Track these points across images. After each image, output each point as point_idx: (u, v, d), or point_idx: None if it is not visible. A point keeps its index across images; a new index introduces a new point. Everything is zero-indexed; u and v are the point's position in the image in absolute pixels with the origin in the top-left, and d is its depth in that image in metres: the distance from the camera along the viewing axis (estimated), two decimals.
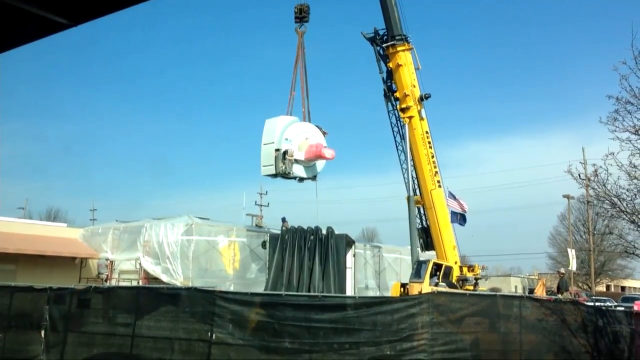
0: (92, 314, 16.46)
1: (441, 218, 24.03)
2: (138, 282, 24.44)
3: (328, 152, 23.20)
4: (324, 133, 24.37)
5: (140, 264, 25.34)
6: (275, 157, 22.62)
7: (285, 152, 22.60)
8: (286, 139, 22.81)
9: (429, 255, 25.20)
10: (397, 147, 25.31)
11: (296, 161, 23.06)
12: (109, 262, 27.41)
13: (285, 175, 23.20)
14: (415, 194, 24.99)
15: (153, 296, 15.85)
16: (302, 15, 24.95)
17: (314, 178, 24.33)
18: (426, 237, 24.90)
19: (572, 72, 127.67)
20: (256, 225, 34.64)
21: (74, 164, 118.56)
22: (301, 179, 24.07)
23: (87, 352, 15.98)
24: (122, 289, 18.86)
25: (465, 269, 23.87)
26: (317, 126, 24.41)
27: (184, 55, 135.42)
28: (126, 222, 28.57)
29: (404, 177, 24.97)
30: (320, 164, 24.17)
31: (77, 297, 16.82)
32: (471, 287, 22.97)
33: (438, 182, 24.25)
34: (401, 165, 25.09)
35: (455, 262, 23.88)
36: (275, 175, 23.33)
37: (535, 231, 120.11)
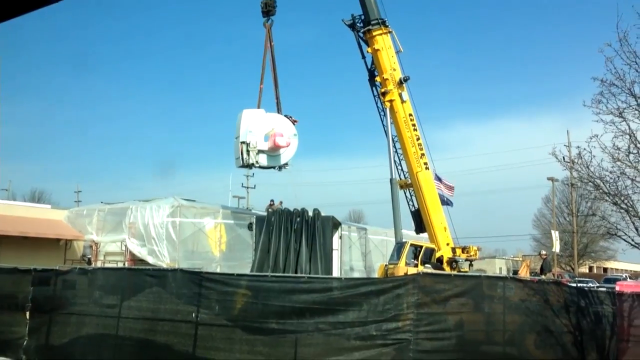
0: (77, 295, 16.40)
1: (429, 200, 24.14)
2: (124, 264, 24.40)
3: (281, 140, 23.63)
4: (293, 121, 24.65)
5: (125, 245, 25.28)
6: (241, 150, 23.12)
7: (248, 144, 23.05)
8: (250, 131, 23.22)
9: (424, 238, 25.39)
10: (384, 130, 25.43)
11: (261, 152, 23.43)
12: (94, 243, 27.29)
13: (254, 166, 23.76)
14: (405, 177, 25.15)
15: (139, 277, 15.80)
16: (267, 10, 25.11)
17: (280, 168, 24.65)
18: (418, 220, 25.04)
19: (560, 54, 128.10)
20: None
21: (58, 145, 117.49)
22: (280, 168, 24.43)
23: (73, 334, 15.95)
24: (108, 270, 18.84)
25: (458, 250, 23.88)
26: (286, 115, 24.71)
27: (169, 37, 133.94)
28: (111, 203, 28.43)
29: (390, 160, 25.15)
30: (288, 153, 24.44)
31: (62, 279, 16.74)
32: (466, 269, 23.17)
33: (425, 164, 24.33)
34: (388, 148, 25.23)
35: (447, 244, 23.97)
36: (247, 166, 23.83)
37: (520, 213, 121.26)
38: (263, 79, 25.06)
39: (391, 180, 24.86)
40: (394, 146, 25.29)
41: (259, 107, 24.66)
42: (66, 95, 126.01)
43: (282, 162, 24.59)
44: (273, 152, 24.01)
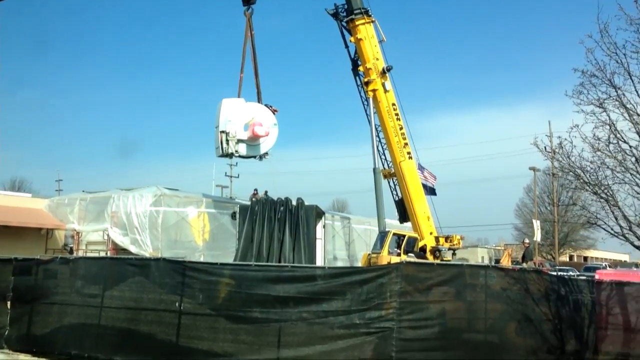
0: (59, 285, 16.28)
1: (412, 189, 24.24)
2: (106, 253, 24.26)
3: (260, 130, 23.61)
4: (274, 111, 24.64)
5: (108, 235, 25.11)
6: (221, 139, 23.08)
7: (227, 134, 22.95)
8: (229, 121, 23.15)
9: (407, 227, 25.52)
10: (368, 119, 25.47)
11: (241, 141, 23.38)
12: (75, 233, 27.08)
13: (233, 156, 23.71)
14: (388, 166, 25.23)
15: (121, 267, 15.72)
16: None
17: (261, 157, 24.60)
18: (402, 209, 25.15)
19: (541, 45, 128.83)
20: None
21: (39, 134, 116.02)
22: (260, 157, 24.42)
23: (55, 323, 15.86)
24: (90, 260, 18.72)
25: (442, 240, 24.03)
26: (267, 105, 24.66)
27: (151, 27, 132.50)
28: (93, 192, 28.19)
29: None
30: (268, 143, 24.40)
31: (43, 268, 16.61)
32: (449, 258, 23.35)
33: (408, 153, 24.42)
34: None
35: (431, 233, 24.10)
36: (226, 156, 23.77)
37: (502, 203, 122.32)
38: (243, 68, 25.06)
39: (374, 169, 24.94)
40: (377, 135, 25.35)
41: (239, 97, 24.56)
42: (50, 83, 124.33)
43: (262, 151, 24.50)
44: (252, 141, 23.94)
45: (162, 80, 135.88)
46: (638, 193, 12.17)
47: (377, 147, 25.28)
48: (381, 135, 25.32)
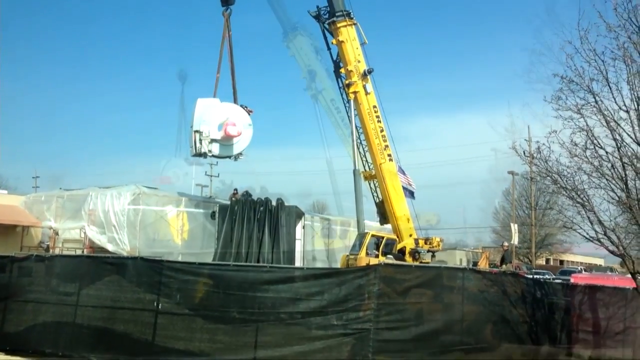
0: (34, 282, 16.10)
1: (392, 191, 24.31)
2: (83, 252, 23.95)
3: (232, 130, 23.62)
4: (249, 111, 24.70)
5: (85, 233, 24.81)
6: (194, 139, 23.07)
7: (201, 133, 22.95)
8: (203, 120, 23.17)
9: (387, 229, 25.58)
10: (349, 121, 25.56)
11: (214, 141, 23.38)
12: (52, 230, 26.70)
13: (207, 155, 23.73)
14: (369, 168, 25.34)
15: (97, 265, 15.58)
16: None
17: (236, 157, 24.59)
18: (382, 211, 25.23)
19: (520, 50, 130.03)
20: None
21: (15, 129, 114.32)
22: (235, 158, 24.42)
23: (30, 321, 15.68)
24: (65, 258, 18.51)
25: (421, 242, 24.08)
26: (242, 105, 24.66)
27: (130, 21, 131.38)
28: (70, 190, 27.83)
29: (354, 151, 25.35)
30: (242, 143, 24.40)
31: (18, 266, 16.42)
32: (428, 260, 23.48)
33: (389, 155, 24.50)
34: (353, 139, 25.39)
35: (410, 235, 24.18)
36: (200, 155, 23.80)
37: (481, 206, 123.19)
38: (220, 68, 25.03)
39: (354, 171, 25.04)
40: (359, 137, 25.44)
41: (214, 96, 24.54)
42: (25, 80, 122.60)
43: (236, 151, 24.37)
44: (226, 141, 23.86)
45: (143, 74, 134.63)
46: (613, 198, 12.41)
47: (359, 148, 25.37)
48: (362, 137, 25.41)
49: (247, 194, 25.67)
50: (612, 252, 13.01)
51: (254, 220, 23.71)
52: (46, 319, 15.45)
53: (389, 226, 25.67)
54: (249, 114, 24.69)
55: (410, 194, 26.30)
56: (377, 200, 25.54)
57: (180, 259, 22.59)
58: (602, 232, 12.61)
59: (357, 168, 24.99)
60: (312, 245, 28.52)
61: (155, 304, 14.07)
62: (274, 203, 24.34)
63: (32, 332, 15.51)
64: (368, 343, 13.16)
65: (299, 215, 25.38)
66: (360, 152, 25.61)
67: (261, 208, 23.92)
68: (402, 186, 25.04)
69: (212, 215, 24.81)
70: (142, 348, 14.04)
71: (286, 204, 24.93)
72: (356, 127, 25.38)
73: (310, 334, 13.40)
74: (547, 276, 32.65)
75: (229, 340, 13.67)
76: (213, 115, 23.71)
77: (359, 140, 25.41)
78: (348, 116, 25.61)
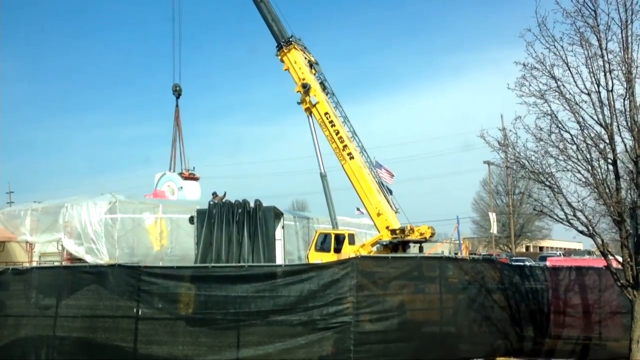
0: (12, 296, 16.05)
1: (358, 188, 24.49)
2: (61, 264, 23.72)
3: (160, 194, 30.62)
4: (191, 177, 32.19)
5: (62, 245, 24.57)
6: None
7: None
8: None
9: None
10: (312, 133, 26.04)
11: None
12: (28, 244, 26.40)
13: None
14: None
15: (75, 275, 15.55)
16: (177, 91, 32.77)
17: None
18: None
19: (482, 40, 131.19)
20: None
21: None
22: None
23: (11, 336, 15.63)
24: (43, 269, 18.43)
25: (399, 232, 23.98)
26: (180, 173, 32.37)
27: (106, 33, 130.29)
28: (44, 202, 27.53)
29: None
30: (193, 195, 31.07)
31: None
32: (417, 252, 23.70)
33: (349, 154, 24.63)
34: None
35: (387, 227, 24.29)
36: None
37: (461, 197, 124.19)
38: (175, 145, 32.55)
39: (321, 174, 25.50)
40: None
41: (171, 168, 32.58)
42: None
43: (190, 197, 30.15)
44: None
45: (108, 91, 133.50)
46: (580, 180, 12.69)
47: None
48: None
49: (224, 195, 25.75)
50: (581, 232, 13.28)
51: (233, 222, 23.69)
52: (28, 333, 15.39)
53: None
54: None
55: (387, 190, 26.47)
56: None
57: (160, 265, 22.51)
58: (572, 214, 12.86)
59: (321, 172, 25.40)
60: (293, 245, 28.58)
61: (135, 310, 14.08)
62: (252, 204, 24.36)
63: (15, 346, 15.46)
64: (349, 336, 13.34)
65: (278, 215, 25.42)
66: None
67: (239, 210, 23.90)
68: (377, 181, 25.18)
69: (191, 219, 24.74)
70: (124, 356, 14.05)
71: (264, 204, 24.98)
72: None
73: (291, 330, 13.53)
74: (527, 263, 33.03)
75: (211, 342, 13.76)
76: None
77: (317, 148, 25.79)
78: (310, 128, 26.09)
